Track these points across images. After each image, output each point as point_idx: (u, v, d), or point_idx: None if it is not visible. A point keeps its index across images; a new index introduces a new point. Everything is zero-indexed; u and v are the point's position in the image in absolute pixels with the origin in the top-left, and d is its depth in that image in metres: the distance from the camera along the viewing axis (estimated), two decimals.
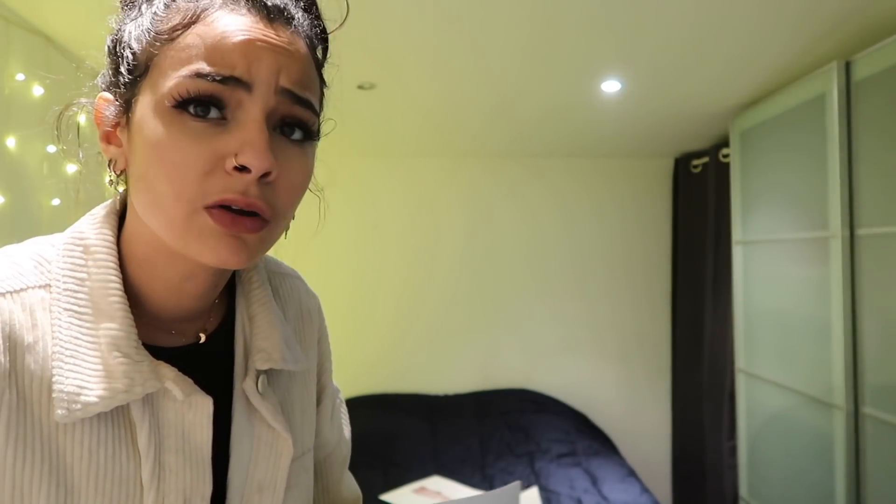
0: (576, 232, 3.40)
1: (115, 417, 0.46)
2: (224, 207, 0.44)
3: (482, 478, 2.49)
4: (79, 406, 0.43)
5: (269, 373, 0.55)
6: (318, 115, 0.50)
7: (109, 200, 0.55)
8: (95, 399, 0.44)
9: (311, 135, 0.49)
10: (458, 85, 2.18)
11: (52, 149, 1.73)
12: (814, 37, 1.77)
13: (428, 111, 2.54)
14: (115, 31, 0.51)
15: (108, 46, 0.51)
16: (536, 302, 3.36)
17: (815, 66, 1.94)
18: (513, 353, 3.35)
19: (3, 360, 0.42)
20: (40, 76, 1.67)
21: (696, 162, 3.15)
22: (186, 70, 0.44)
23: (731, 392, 2.64)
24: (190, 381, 0.48)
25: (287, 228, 0.52)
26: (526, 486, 2.40)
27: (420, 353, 3.31)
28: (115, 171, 0.51)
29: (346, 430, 0.71)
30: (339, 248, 3.24)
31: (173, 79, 0.44)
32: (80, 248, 0.50)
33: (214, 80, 0.43)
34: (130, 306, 0.48)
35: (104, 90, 0.50)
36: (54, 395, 0.44)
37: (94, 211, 0.54)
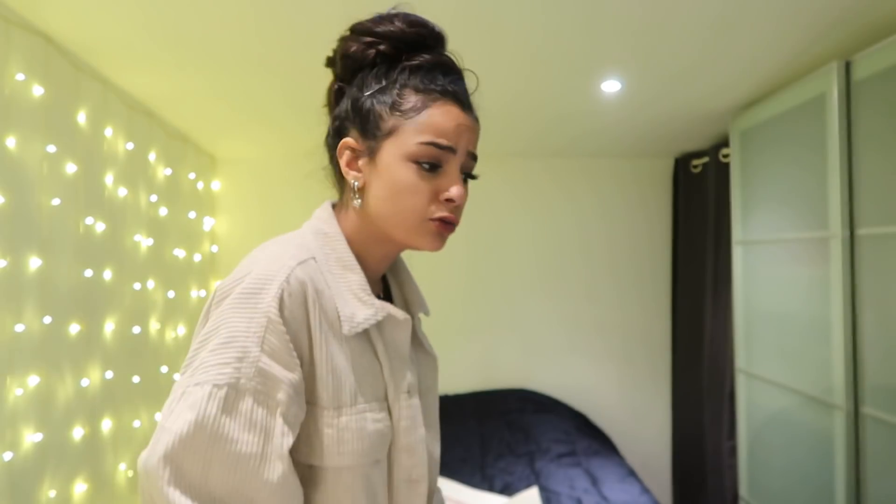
0: (575, 232, 3.40)
1: (362, 338, 0.75)
2: (442, 220, 0.75)
3: (482, 478, 2.49)
4: (354, 324, 0.72)
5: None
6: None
7: (326, 203, 0.83)
8: (362, 320, 0.73)
9: (472, 176, 0.80)
10: None
11: (52, 149, 1.73)
12: (814, 37, 1.77)
13: None
14: (358, 96, 0.77)
15: (351, 104, 0.78)
16: (537, 302, 3.36)
17: (815, 67, 1.94)
18: (513, 353, 3.35)
19: (314, 297, 0.70)
20: (40, 76, 1.67)
21: (696, 162, 3.14)
22: (425, 138, 0.73)
23: (731, 392, 2.64)
24: (404, 311, 0.78)
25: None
26: (525, 485, 2.40)
27: None
28: (355, 189, 0.77)
29: None
30: None
31: (415, 145, 0.73)
32: (323, 235, 0.79)
33: (440, 147, 0.73)
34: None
35: (349, 134, 0.78)
36: (341, 318, 0.72)
37: (317, 213, 0.82)
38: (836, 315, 1.82)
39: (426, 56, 0.76)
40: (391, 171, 0.74)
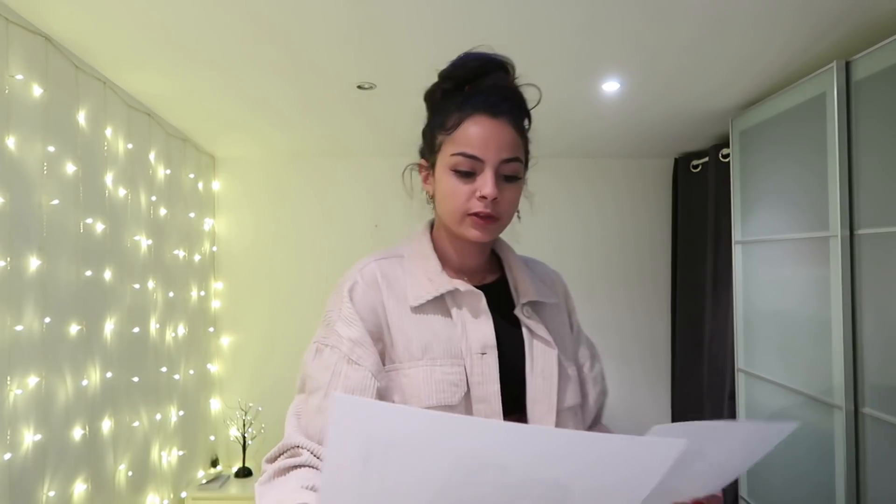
0: (576, 232, 3.40)
1: (439, 307, 0.90)
2: (478, 215, 0.88)
3: None
4: (418, 296, 0.89)
5: (533, 304, 0.97)
6: (522, 161, 0.91)
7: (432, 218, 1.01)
8: (424, 293, 0.89)
9: (518, 176, 0.90)
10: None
11: (51, 149, 1.73)
12: (814, 37, 1.77)
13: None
14: (426, 127, 0.96)
15: (422, 133, 0.97)
16: None
17: (815, 66, 1.94)
18: None
19: (385, 282, 0.91)
20: (40, 76, 1.67)
21: (696, 162, 3.14)
22: (456, 150, 0.87)
23: (731, 392, 2.64)
24: (470, 285, 0.91)
25: (514, 219, 0.95)
26: None
27: None
28: (429, 196, 0.97)
29: (600, 384, 1.08)
30: (343, 247, 3.24)
31: (449, 157, 0.88)
32: (417, 236, 0.99)
33: (467, 157, 0.86)
34: (442, 264, 0.95)
35: (421, 156, 0.98)
36: (409, 295, 0.90)
37: (424, 223, 1.01)
38: (836, 315, 1.82)
39: (471, 83, 0.91)
40: (440, 180, 0.91)
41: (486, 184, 0.86)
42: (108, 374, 2.05)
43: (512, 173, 0.89)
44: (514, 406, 0.89)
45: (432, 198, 0.96)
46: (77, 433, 1.86)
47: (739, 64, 1.98)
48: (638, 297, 3.41)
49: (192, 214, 2.93)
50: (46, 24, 1.65)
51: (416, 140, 0.99)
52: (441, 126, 0.91)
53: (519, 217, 0.98)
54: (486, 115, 0.88)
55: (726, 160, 2.72)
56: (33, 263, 1.64)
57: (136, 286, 2.29)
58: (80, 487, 1.86)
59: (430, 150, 0.94)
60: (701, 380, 3.02)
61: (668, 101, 2.39)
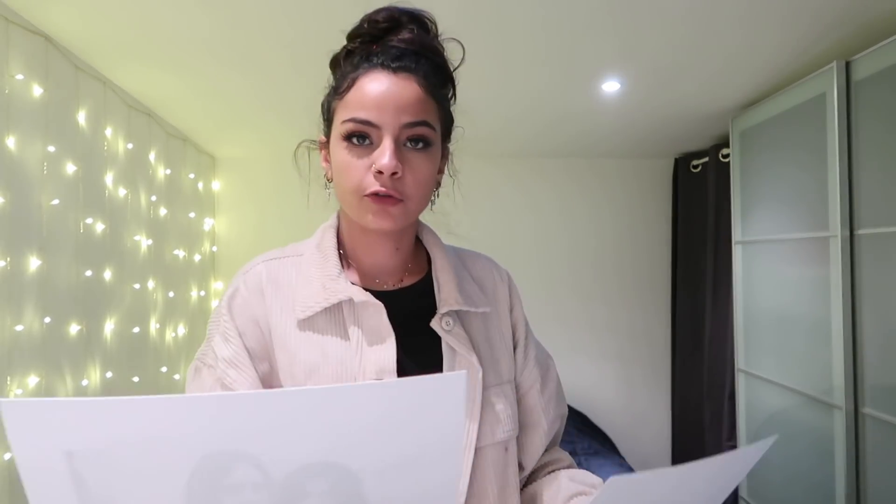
0: (576, 232, 3.40)
1: (332, 319, 0.73)
2: (377, 195, 0.70)
3: None
4: (306, 307, 0.73)
5: (460, 314, 0.78)
6: (434, 128, 0.73)
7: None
8: (314, 304, 0.73)
9: (429, 143, 0.72)
10: (457, 84, 2.17)
11: (51, 148, 1.73)
12: (814, 37, 1.77)
13: None
14: (324, 96, 0.78)
15: (322, 102, 0.79)
16: (536, 302, 3.36)
17: (815, 66, 1.94)
18: None
19: (271, 289, 0.75)
20: (40, 76, 1.67)
21: (696, 162, 3.14)
22: (347, 115, 0.71)
23: (731, 392, 2.64)
24: (368, 293, 0.73)
25: (428, 204, 0.78)
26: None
27: None
28: (327, 179, 0.79)
29: (555, 408, 0.87)
30: None
31: (341, 123, 0.71)
32: (323, 230, 0.81)
33: (359, 122, 0.70)
34: (348, 263, 0.79)
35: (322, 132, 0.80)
36: (296, 305, 0.73)
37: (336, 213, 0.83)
38: (836, 315, 1.82)
39: (380, 41, 0.74)
40: (334, 155, 0.74)
41: (382, 154, 0.68)
42: (108, 374, 2.05)
43: (420, 136, 0.71)
44: None
45: (331, 180, 0.78)
46: None
47: (739, 64, 1.98)
48: (638, 298, 3.41)
49: (192, 214, 2.92)
50: (46, 24, 1.65)
51: None
52: (335, 91, 0.75)
53: (434, 200, 0.80)
54: (384, 71, 0.71)
55: (726, 160, 2.72)
56: (33, 263, 1.64)
57: (136, 286, 2.29)
58: None
59: (326, 119, 0.78)
60: (701, 380, 3.02)
61: (668, 101, 2.39)
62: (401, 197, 0.70)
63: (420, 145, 0.71)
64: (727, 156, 2.69)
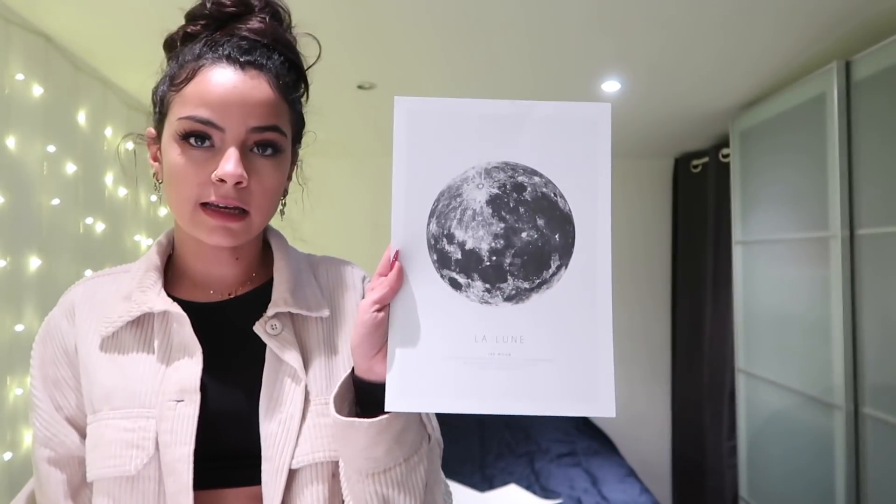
0: None
1: (138, 336, 0.67)
2: (216, 207, 0.62)
3: (482, 478, 2.49)
4: (107, 323, 0.66)
5: (295, 320, 0.70)
6: (285, 133, 0.66)
7: None
8: (115, 318, 0.66)
9: (279, 149, 0.66)
10: (457, 84, 2.18)
11: (51, 148, 1.73)
12: (814, 37, 1.77)
13: None
14: (157, 82, 0.70)
15: (153, 90, 0.70)
16: None
17: (815, 66, 1.94)
18: None
19: (83, 310, 0.68)
20: (40, 76, 1.67)
21: (696, 162, 3.15)
22: (184, 112, 0.62)
23: (731, 392, 2.64)
24: (174, 303, 0.66)
25: (276, 213, 0.72)
26: (525, 485, 2.40)
27: None
28: (157, 180, 0.71)
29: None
30: (340, 247, 3.24)
31: (176, 121, 0.62)
32: (156, 243, 0.73)
33: (199, 122, 0.61)
34: (180, 274, 0.72)
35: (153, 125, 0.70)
36: (102, 321, 0.67)
37: None
38: (836, 315, 1.82)
39: (225, 27, 0.68)
40: (166, 155, 0.64)
41: (226, 160, 0.60)
42: None
43: (269, 142, 0.64)
44: (247, 474, 0.63)
45: (161, 182, 0.69)
46: None
47: (739, 64, 1.98)
48: (638, 297, 3.41)
49: None
50: (46, 24, 1.65)
51: None
52: (171, 81, 0.66)
53: (282, 210, 0.74)
54: (231, 65, 0.63)
55: (726, 160, 2.72)
56: (33, 263, 1.64)
57: None
58: None
59: (157, 112, 0.68)
60: (701, 380, 3.02)
61: (668, 101, 2.39)
62: (245, 208, 0.63)
63: (269, 151, 0.64)
64: (727, 156, 2.70)
